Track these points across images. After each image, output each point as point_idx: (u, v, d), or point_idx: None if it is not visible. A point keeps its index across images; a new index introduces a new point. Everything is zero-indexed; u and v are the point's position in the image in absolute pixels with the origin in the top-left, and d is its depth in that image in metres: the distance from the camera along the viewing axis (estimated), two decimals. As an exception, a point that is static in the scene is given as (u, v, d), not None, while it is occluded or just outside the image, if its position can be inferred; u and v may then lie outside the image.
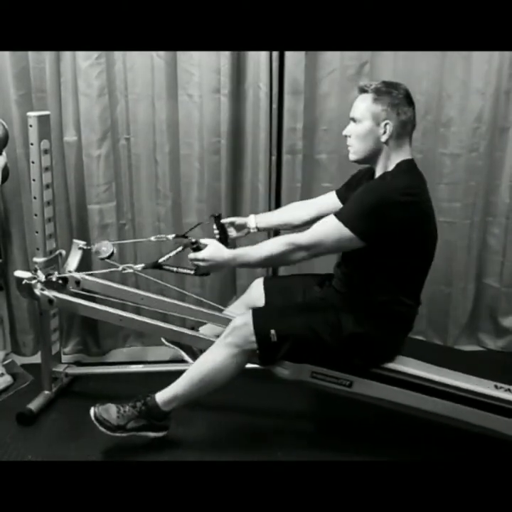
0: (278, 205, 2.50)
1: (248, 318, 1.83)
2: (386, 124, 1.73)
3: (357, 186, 1.86)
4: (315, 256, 1.79)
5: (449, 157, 2.51)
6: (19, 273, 2.07)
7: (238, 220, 2.13)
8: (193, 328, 2.12)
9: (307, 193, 2.47)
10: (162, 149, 2.43)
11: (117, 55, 2.32)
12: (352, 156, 1.82)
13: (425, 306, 2.62)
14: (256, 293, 2.14)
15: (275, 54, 2.31)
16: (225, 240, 2.07)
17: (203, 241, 1.83)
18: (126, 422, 1.87)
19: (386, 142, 1.75)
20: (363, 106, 1.75)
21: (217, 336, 1.92)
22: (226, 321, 1.97)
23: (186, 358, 2.10)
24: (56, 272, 2.14)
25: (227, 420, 2.20)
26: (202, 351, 1.95)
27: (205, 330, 2.12)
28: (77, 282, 2.17)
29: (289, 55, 2.32)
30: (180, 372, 1.91)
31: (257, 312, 1.87)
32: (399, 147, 1.76)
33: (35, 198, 2.08)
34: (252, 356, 1.85)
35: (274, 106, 2.38)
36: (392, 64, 2.37)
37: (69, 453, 1.99)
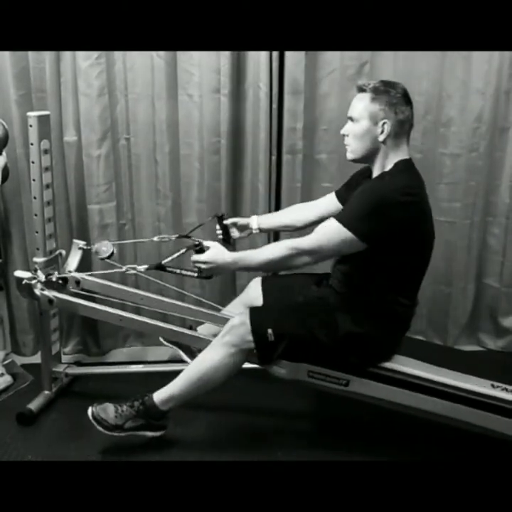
0: (278, 205, 2.50)
1: (245, 317, 1.83)
2: (384, 124, 1.73)
3: (357, 186, 1.86)
4: (318, 261, 1.80)
5: (449, 157, 2.51)
6: (19, 273, 2.07)
7: (241, 220, 2.14)
8: (190, 328, 2.12)
9: (307, 193, 2.48)
10: (162, 149, 2.43)
11: (117, 55, 2.32)
12: (349, 155, 1.82)
13: (425, 306, 2.63)
14: (254, 292, 2.14)
15: (275, 54, 2.31)
16: (227, 240, 2.07)
17: (206, 243, 1.81)
18: (123, 421, 1.87)
19: (384, 141, 1.75)
20: (361, 105, 1.75)
21: (215, 336, 1.92)
22: (224, 321, 1.97)
23: (185, 357, 2.10)
24: (56, 272, 2.15)
25: (227, 420, 2.19)
26: (200, 351, 1.95)
27: (203, 329, 2.12)
28: (77, 282, 2.17)
29: (289, 55, 2.32)
30: (179, 372, 1.90)
31: (254, 311, 1.87)
32: (396, 146, 1.76)
33: (35, 198, 2.08)
34: (249, 355, 1.85)
35: (274, 106, 2.38)
36: (392, 64, 2.37)
37: (69, 453, 1.99)
